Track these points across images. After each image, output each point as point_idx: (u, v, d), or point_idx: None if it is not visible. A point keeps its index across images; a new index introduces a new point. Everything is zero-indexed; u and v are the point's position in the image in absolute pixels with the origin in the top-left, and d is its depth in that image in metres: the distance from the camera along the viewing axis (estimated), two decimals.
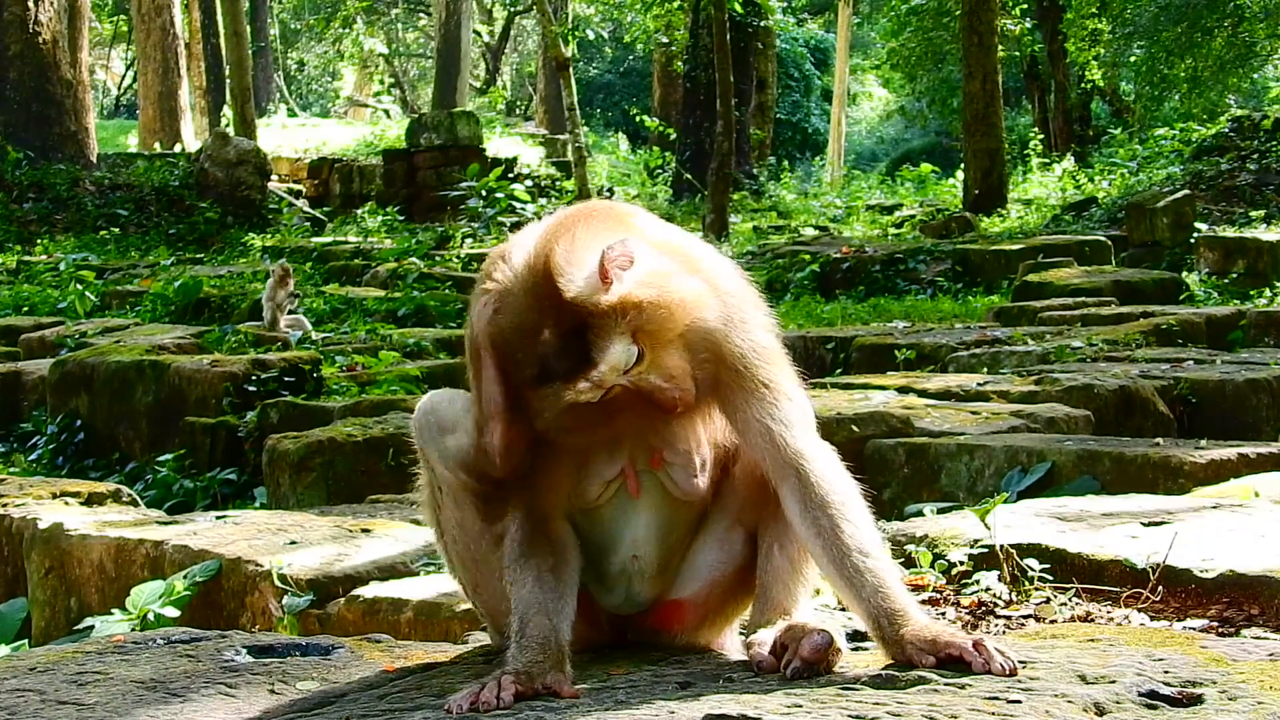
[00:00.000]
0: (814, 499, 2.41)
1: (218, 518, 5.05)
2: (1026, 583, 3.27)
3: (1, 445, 10.41)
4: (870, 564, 2.37)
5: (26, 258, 19.53)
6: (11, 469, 9.18)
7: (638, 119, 33.18)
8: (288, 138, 34.78)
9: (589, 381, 2.29)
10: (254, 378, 9.39)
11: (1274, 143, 22.28)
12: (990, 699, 2.14)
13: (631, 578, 2.61)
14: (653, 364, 2.34)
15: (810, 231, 23.74)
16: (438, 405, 2.61)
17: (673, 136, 31.92)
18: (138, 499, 6.05)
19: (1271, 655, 2.41)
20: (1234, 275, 15.17)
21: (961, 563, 3.44)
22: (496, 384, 2.38)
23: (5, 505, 5.50)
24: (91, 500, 5.70)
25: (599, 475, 2.53)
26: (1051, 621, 3.04)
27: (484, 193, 22.08)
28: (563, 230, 2.38)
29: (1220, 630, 2.95)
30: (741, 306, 2.50)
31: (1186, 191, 19.40)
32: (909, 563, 3.49)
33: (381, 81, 53.23)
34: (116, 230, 22.47)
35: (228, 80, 29.84)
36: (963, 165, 25.93)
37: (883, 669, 2.30)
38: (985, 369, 8.75)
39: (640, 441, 2.53)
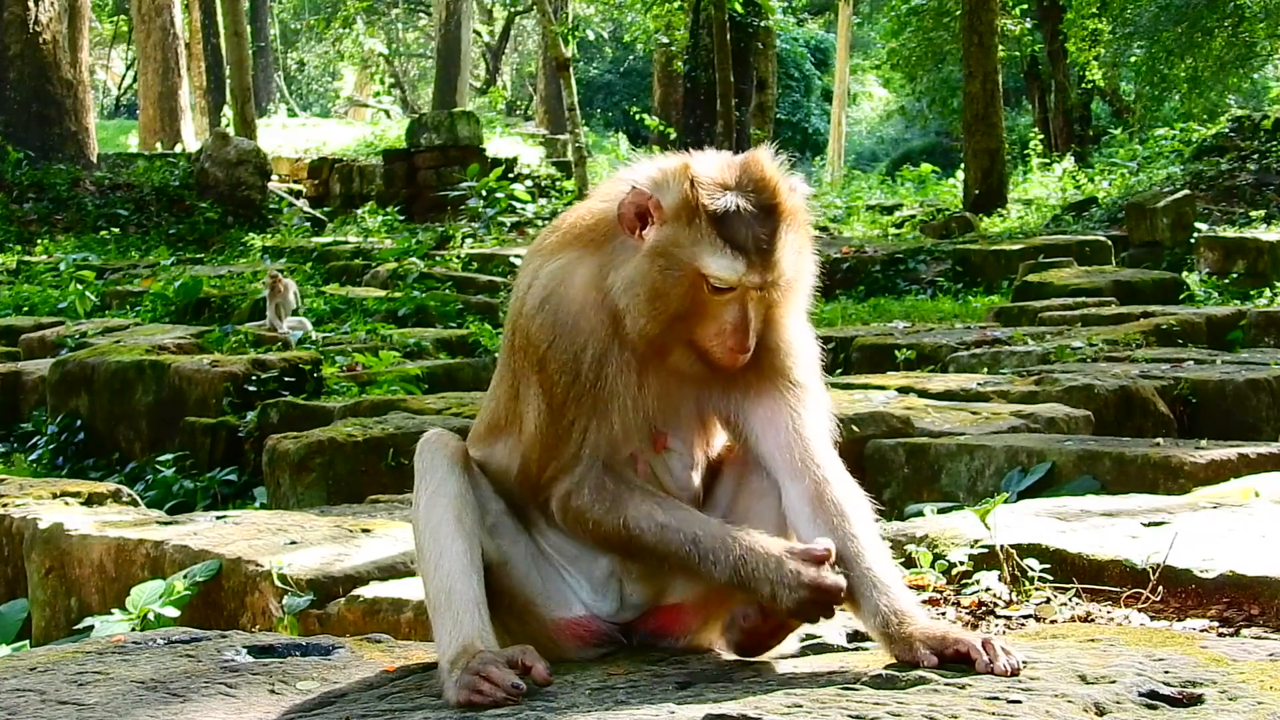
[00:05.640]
0: (829, 502, 2.44)
1: (218, 518, 5.04)
2: (1026, 583, 3.27)
3: (1, 445, 10.41)
4: (880, 567, 2.41)
5: (26, 258, 19.51)
6: (11, 469, 9.18)
7: (638, 119, 33.13)
8: (288, 138, 34.73)
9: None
10: (254, 378, 9.38)
11: (1274, 143, 22.28)
12: (990, 699, 2.13)
13: (621, 580, 2.60)
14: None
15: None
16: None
17: (673, 136, 31.84)
18: (138, 499, 6.04)
19: (1271, 655, 2.41)
20: (1234, 275, 15.16)
21: (961, 563, 3.44)
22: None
23: (5, 505, 5.49)
24: (91, 500, 5.69)
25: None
26: (1051, 621, 3.04)
27: (484, 193, 22.07)
28: None
29: (1220, 630, 2.95)
30: (802, 299, 2.55)
31: (1186, 191, 19.40)
32: (909, 563, 3.49)
33: (381, 81, 53.16)
34: (116, 230, 22.45)
35: (228, 80, 29.82)
36: (963, 165, 25.91)
37: (883, 669, 2.30)
38: (985, 369, 8.74)
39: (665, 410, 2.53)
